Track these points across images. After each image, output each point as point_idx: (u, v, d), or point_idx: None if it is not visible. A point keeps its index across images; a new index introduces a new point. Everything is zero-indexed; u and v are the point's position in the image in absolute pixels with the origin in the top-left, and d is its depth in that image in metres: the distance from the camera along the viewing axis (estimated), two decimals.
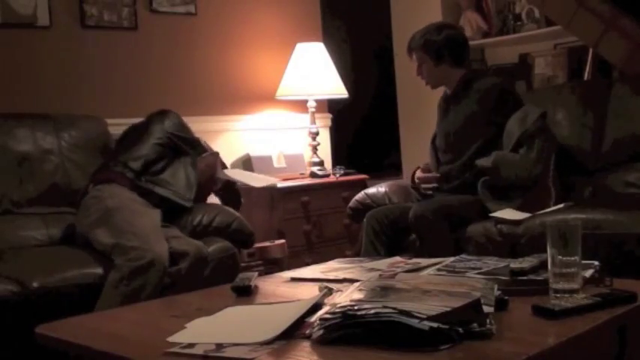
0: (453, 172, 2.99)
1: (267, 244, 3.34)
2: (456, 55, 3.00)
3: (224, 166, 3.12)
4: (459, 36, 3.06)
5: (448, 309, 1.26)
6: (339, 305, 1.33)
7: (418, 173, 3.12)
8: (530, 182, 2.79)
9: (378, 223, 2.90)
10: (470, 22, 4.11)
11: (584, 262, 1.53)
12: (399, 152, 4.26)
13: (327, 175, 3.89)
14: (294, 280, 2.01)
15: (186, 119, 3.70)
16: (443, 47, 2.97)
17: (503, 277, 1.66)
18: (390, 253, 2.72)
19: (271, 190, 3.59)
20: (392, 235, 2.89)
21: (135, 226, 2.41)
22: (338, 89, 3.99)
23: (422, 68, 3.04)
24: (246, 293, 1.83)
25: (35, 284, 2.24)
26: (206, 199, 3.07)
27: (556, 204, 2.78)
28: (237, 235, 2.87)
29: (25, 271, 2.29)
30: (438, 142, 3.15)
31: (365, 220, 2.96)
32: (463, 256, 2.00)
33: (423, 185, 3.07)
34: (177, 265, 2.44)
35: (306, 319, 1.40)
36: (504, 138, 2.87)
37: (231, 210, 2.99)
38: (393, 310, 1.25)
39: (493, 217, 2.69)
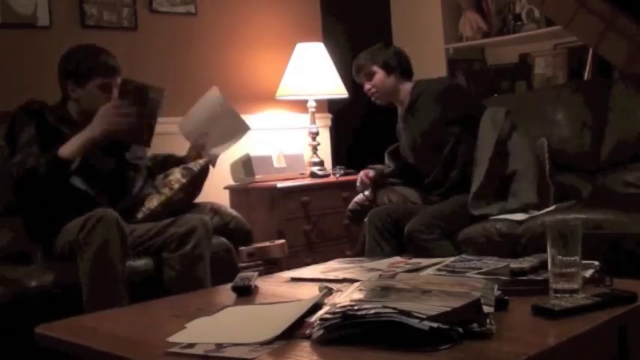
0: (438, 178, 3.01)
1: (267, 244, 3.34)
2: (403, 69, 3.11)
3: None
4: (404, 53, 3.17)
5: (448, 309, 1.26)
6: (339, 305, 1.33)
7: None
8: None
9: (380, 220, 2.92)
10: (470, 22, 4.11)
11: (584, 262, 1.53)
12: None
13: (327, 175, 3.89)
14: (294, 280, 2.01)
15: None
16: (392, 59, 3.09)
17: (503, 277, 1.66)
18: (394, 252, 2.74)
19: (271, 190, 3.59)
20: (395, 232, 2.89)
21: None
22: (338, 89, 3.99)
23: (372, 82, 3.10)
24: (246, 293, 1.83)
25: (33, 283, 2.24)
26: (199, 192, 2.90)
27: (555, 199, 2.80)
28: (236, 233, 2.89)
29: (23, 271, 2.29)
30: (411, 160, 3.17)
31: (367, 218, 2.97)
32: (463, 256, 2.00)
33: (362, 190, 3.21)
34: (185, 245, 2.44)
35: (306, 319, 1.40)
36: (479, 143, 2.88)
37: (229, 209, 2.98)
38: (393, 310, 1.25)
39: (494, 217, 2.70)
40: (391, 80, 3.09)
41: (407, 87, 3.11)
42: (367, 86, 3.12)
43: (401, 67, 3.10)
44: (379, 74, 3.08)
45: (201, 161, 3.01)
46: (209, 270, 2.49)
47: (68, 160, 2.34)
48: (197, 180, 2.93)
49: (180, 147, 3.57)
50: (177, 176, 2.73)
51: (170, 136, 3.50)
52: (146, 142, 2.51)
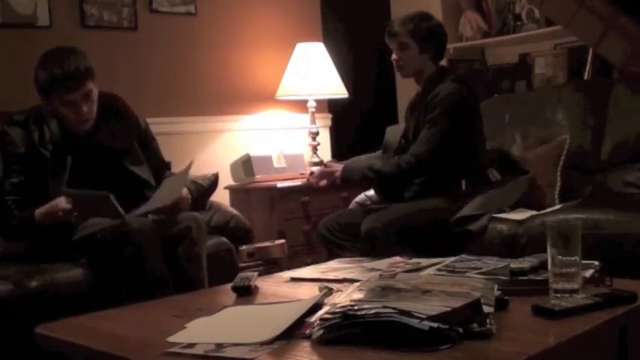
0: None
1: (267, 244, 3.34)
2: (439, 49, 2.86)
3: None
4: (443, 28, 2.89)
5: (448, 309, 1.26)
6: (339, 305, 1.33)
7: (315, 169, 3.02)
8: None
9: (328, 231, 2.84)
10: (470, 22, 4.11)
11: (584, 262, 1.53)
12: None
13: None
14: (294, 280, 2.01)
15: (186, 119, 3.72)
16: (432, 36, 2.81)
17: (503, 277, 1.66)
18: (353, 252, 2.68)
19: (271, 190, 3.59)
20: (347, 238, 2.80)
21: None
22: (338, 89, 3.98)
23: (403, 53, 2.82)
24: (246, 293, 1.83)
25: (33, 283, 2.24)
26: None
27: (560, 197, 2.80)
28: (235, 232, 2.90)
29: (23, 271, 2.29)
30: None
31: (318, 230, 2.91)
32: (463, 256, 2.00)
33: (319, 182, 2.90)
34: (184, 242, 2.40)
35: (306, 319, 1.40)
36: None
37: (229, 208, 2.98)
38: (393, 310, 1.25)
39: (495, 216, 2.70)
40: (423, 59, 2.81)
41: (432, 68, 2.84)
42: (396, 56, 2.84)
43: (436, 48, 2.83)
44: (413, 50, 2.80)
45: (211, 176, 3.04)
46: (205, 269, 2.45)
47: (40, 223, 2.35)
48: (205, 194, 2.95)
49: (176, 148, 3.58)
50: (185, 191, 2.69)
51: (167, 136, 3.51)
52: (118, 217, 2.35)
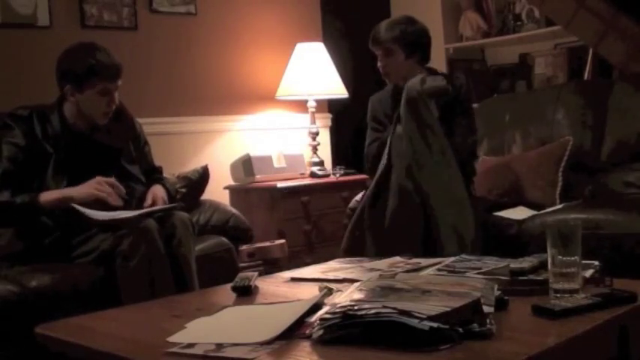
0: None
1: (267, 244, 3.35)
2: (425, 53, 2.86)
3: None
4: (428, 32, 2.88)
5: (448, 309, 1.26)
6: (339, 305, 1.33)
7: None
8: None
9: None
10: (470, 22, 4.11)
11: (584, 262, 1.53)
12: None
13: (327, 175, 3.89)
14: (294, 280, 2.01)
15: (186, 119, 3.72)
16: (417, 41, 2.81)
17: (503, 277, 1.66)
18: None
19: (271, 190, 3.59)
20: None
21: None
22: (338, 89, 3.99)
23: (389, 59, 2.82)
24: (246, 293, 1.83)
25: (33, 283, 2.24)
26: None
27: (561, 197, 2.80)
28: (235, 231, 2.89)
29: (23, 271, 2.29)
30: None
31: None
32: (463, 256, 2.00)
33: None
34: (172, 242, 2.35)
35: (306, 319, 1.40)
36: None
37: (228, 207, 2.97)
38: (393, 310, 1.25)
39: (497, 215, 2.70)
40: (409, 64, 2.80)
41: (419, 72, 2.78)
42: (382, 63, 2.84)
43: (422, 52, 2.83)
44: (399, 55, 2.80)
45: (199, 168, 3.03)
46: (194, 270, 2.38)
47: (43, 207, 2.35)
48: (197, 187, 2.93)
49: (176, 148, 3.58)
50: (176, 187, 2.69)
51: (167, 137, 3.52)
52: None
